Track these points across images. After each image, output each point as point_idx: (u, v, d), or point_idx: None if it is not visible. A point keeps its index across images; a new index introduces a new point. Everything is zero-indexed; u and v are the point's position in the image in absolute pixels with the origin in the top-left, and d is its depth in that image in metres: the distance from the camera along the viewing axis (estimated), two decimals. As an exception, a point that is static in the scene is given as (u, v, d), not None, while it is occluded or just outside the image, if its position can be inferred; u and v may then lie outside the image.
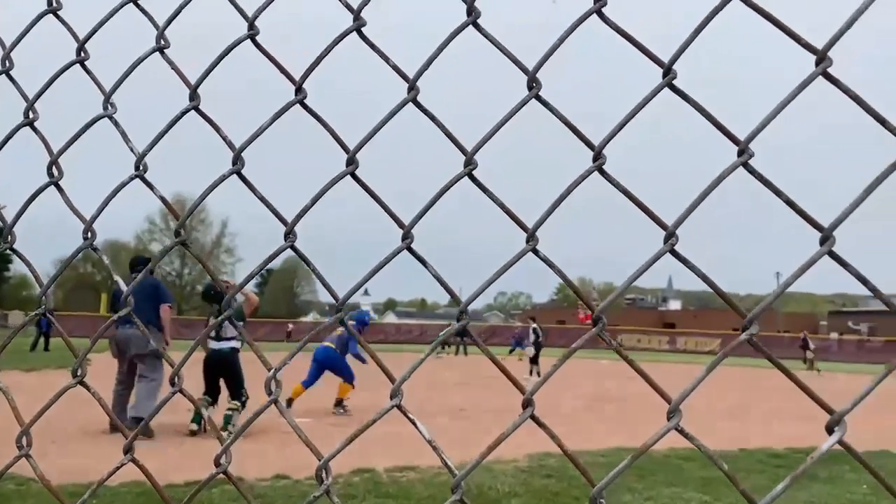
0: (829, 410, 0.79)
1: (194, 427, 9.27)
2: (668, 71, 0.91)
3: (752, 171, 0.86)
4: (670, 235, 0.88)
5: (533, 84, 0.96)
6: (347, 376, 11.96)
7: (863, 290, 1.01)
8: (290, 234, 1.03)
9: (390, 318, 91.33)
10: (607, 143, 0.91)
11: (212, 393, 9.55)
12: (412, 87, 1.03)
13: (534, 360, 22.57)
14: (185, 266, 68.37)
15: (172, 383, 1.08)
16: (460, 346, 33.36)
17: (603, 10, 0.94)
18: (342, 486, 6.63)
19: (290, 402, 11.67)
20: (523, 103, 0.97)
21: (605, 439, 9.27)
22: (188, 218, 1.13)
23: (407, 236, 0.98)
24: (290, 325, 53.87)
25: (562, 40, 0.95)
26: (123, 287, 1.16)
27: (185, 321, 41.91)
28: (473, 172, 0.97)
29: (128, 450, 1.08)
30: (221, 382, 9.60)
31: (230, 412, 9.34)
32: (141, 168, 1.13)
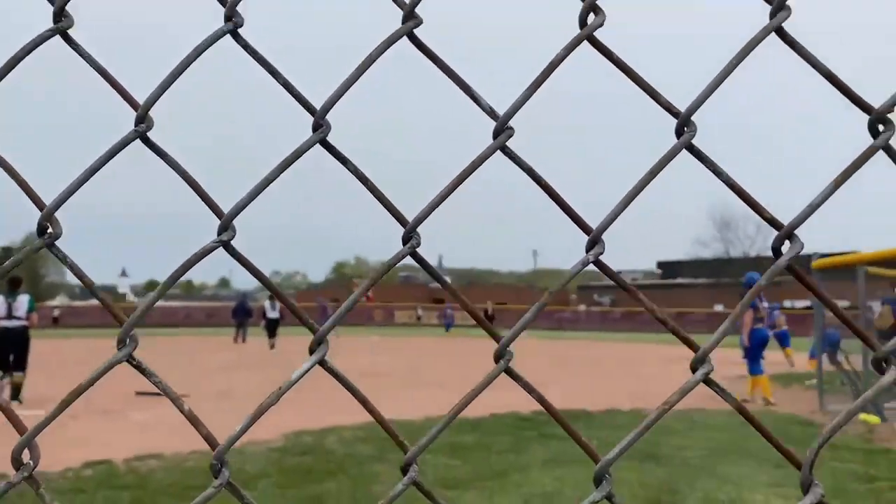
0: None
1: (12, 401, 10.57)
2: (583, 24, 0.69)
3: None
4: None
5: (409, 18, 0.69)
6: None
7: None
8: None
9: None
10: (515, 112, 0.67)
11: (3, 366, 11.02)
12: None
13: (270, 334, 25.50)
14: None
15: None
16: (240, 329, 30.60)
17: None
18: (71, 480, 6.05)
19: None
20: (392, 41, 0.69)
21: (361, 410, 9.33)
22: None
23: (226, 230, 0.66)
24: (56, 311, 49.35)
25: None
26: None
27: None
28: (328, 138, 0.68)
29: None
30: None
31: (19, 383, 10.90)
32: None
